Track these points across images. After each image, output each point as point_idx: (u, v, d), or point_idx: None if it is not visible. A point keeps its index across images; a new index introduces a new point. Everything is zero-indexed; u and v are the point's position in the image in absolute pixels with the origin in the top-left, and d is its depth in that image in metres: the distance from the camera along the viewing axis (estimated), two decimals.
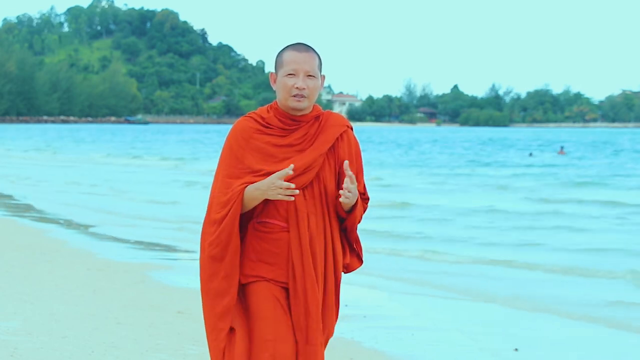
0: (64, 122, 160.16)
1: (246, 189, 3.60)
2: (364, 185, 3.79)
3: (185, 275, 9.80)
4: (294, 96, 3.66)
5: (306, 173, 3.64)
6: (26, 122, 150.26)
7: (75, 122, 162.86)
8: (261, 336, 3.58)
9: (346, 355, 6.38)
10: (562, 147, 58.95)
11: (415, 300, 9.18)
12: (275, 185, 3.52)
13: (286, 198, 3.54)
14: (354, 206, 3.68)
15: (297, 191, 3.55)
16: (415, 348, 6.89)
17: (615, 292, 9.79)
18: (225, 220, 3.59)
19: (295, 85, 3.65)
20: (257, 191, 3.57)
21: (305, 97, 3.66)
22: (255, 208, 3.67)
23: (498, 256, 12.39)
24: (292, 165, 3.54)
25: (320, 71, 3.73)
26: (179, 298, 8.31)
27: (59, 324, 6.66)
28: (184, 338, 6.58)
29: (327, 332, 3.71)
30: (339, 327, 6.32)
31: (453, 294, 9.53)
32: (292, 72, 3.65)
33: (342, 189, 3.61)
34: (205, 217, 3.68)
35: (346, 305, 7.97)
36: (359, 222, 3.78)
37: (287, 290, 3.66)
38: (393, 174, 33.86)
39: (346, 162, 3.62)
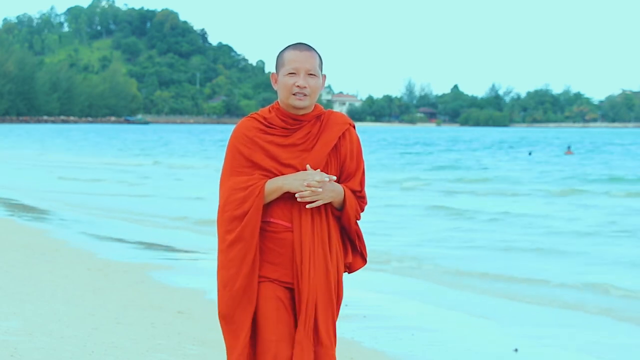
0: (64, 122, 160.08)
1: (267, 181, 3.62)
2: (361, 183, 3.77)
3: (186, 275, 9.80)
4: (295, 95, 3.66)
5: None
6: (26, 122, 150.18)
7: (75, 122, 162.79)
8: (264, 336, 3.59)
9: (346, 355, 6.38)
10: (569, 147, 58.08)
11: (415, 300, 9.18)
12: (304, 179, 3.56)
13: (305, 192, 3.56)
14: (344, 203, 3.69)
15: (320, 190, 3.59)
16: (415, 348, 6.90)
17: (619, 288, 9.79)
18: (249, 215, 3.59)
19: (297, 84, 3.65)
20: (281, 180, 3.60)
21: (306, 95, 3.67)
22: None
23: (498, 255, 12.42)
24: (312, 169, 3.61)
25: (321, 70, 3.74)
26: (179, 298, 8.31)
27: (59, 324, 6.66)
28: (184, 338, 6.58)
29: (329, 332, 3.71)
30: (339, 327, 6.33)
31: (453, 294, 9.53)
32: (293, 71, 3.66)
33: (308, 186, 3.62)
34: (220, 216, 3.66)
35: (346, 305, 7.98)
36: (356, 220, 3.77)
37: (290, 290, 3.67)
38: None
39: (318, 171, 3.64)
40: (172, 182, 28.43)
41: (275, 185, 3.61)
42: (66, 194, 21.71)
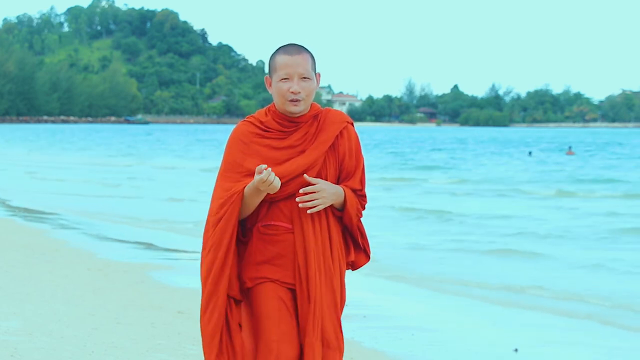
0: (64, 122, 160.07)
1: (247, 185, 3.59)
2: (361, 181, 3.75)
3: (186, 275, 9.80)
4: (291, 101, 3.64)
5: (307, 173, 3.63)
6: (26, 122, 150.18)
7: (75, 122, 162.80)
8: (266, 337, 3.58)
9: (346, 355, 6.38)
10: (570, 147, 57.98)
11: (415, 300, 9.18)
12: (259, 181, 3.49)
13: (273, 189, 3.50)
14: (344, 203, 3.68)
15: (277, 181, 3.51)
16: (415, 348, 6.90)
17: (618, 291, 9.79)
18: (222, 221, 3.58)
19: (290, 90, 3.62)
20: (254, 188, 3.56)
21: (301, 100, 3.64)
22: (260, 211, 3.67)
23: (498, 256, 12.41)
24: (264, 166, 3.51)
25: (315, 70, 3.70)
26: (179, 298, 8.31)
27: (59, 324, 6.66)
28: (184, 338, 6.58)
29: (335, 332, 3.70)
30: None
31: (453, 294, 9.53)
32: (285, 77, 3.62)
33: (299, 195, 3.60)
34: (207, 221, 3.67)
35: (346, 305, 7.96)
36: (358, 217, 3.75)
37: (292, 291, 3.66)
38: None
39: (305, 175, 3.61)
40: (158, 183, 28.02)
41: (253, 186, 3.56)
42: (44, 195, 21.60)
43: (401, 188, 26.86)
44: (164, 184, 27.61)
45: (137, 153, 51.70)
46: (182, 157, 47.56)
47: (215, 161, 40.33)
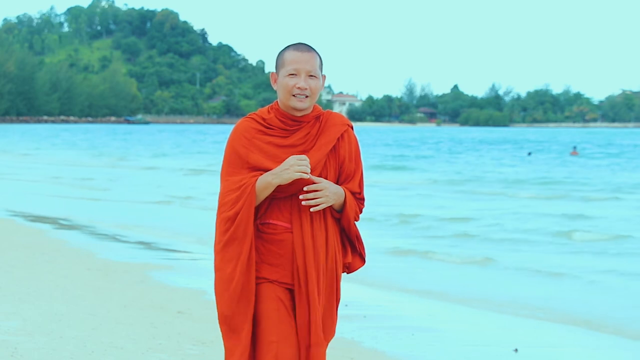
0: (64, 122, 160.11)
1: (258, 179, 3.60)
2: (359, 184, 3.77)
3: (186, 275, 9.80)
4: (296, 96, 3.66)
5: (310, 173, 3.63)
6: (26, 122, 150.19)
7: (75, 122, 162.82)
8: (265, 337, 3.59)
9: (346, 355, 6.38)
10: (574, 148, 57.94)
11: (415, 300, 9.18)
12: (290, 164, 3.53)
13: (302, 175, 3.53)
14: (344, 205, 3.69)
15: (308, 169, 3.56)
16: (415, 348, 6.90)
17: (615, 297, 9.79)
18: (240, 214, 3.59)
19: (297, 85, 3.65)
20: (270, 176, 3.57)
21: (306, 97, 3.67)
22: (259, 209, 3.68)
23: (497, 257, 12.40)
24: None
25: (321, 71, 3.74)
26: (179, 298, 8.31)
27: (59, 324, 6.67)
28: (184, 338, 6.58)
29: (328, 333, 3.72)
30: (339, 327, 6.33)
31: (453, 294, 9.53)
32: (293, 72, 3.65)
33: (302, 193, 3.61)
34: (217, 218, 3.67)
35: (346, 305, 7.99)
36: (355, 220, 3.77)
37: (291, 291, 3.67)
38: None
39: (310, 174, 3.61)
40: (145, 184, 27.30)
41: (265, 182, 3.59)
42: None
43: (383, 190, 26.55)
44: (154, 184, 27.24)
45: (127, 153, 51.29)
46: (176, 157, 47.38)
47: (207, 162, 40.27)
